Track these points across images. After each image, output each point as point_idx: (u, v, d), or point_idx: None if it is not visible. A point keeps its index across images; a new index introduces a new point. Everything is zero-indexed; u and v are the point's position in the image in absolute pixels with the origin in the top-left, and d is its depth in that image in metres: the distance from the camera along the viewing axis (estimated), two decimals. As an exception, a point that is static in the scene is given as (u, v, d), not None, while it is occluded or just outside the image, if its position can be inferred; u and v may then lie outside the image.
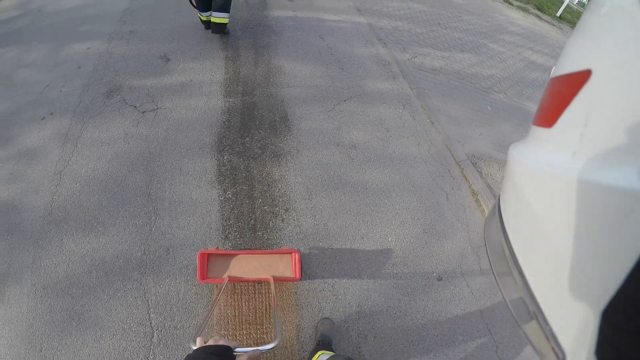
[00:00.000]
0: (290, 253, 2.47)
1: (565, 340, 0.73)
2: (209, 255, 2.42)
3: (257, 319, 2.41)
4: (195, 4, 4.61)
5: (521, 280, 0.90)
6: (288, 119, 3.71)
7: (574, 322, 0.70)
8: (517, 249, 0.96)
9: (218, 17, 4.57)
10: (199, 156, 3.29)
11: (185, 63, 4.27)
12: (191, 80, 4.01)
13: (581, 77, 0.79)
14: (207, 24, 4.82)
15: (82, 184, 2.97)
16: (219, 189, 3.07)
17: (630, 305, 0.58)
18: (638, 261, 0.56)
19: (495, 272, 1.10)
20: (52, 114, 3.62)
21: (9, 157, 3.23)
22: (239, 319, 2.40)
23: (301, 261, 2.54)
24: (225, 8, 4.48)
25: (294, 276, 2.43)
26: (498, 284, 1.06)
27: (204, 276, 2.36)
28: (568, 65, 0.89)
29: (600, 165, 0.69)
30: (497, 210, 1.15)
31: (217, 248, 2.55)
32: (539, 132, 0.99)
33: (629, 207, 0.60)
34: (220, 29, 4.67)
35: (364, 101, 4.13)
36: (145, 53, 4.40)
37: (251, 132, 3.54)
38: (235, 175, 3.21)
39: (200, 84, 3.98)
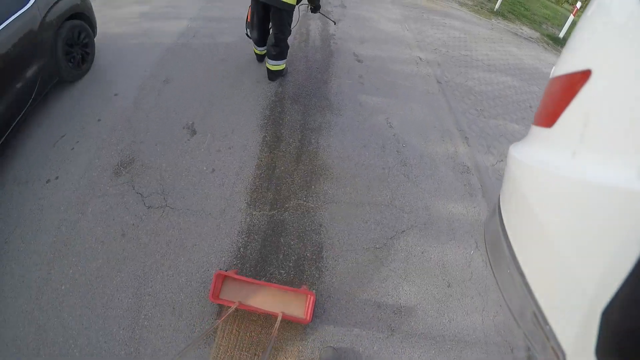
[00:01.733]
0: (306, 294, 2.44)
1: (565, 340, 0.73)
2: (225, 277, 2.47)
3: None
4: (250, 36, 4.51)
5: (521, 280, 0.89)
6: (322, 257, 2.89)
7: (574, 322, 0.70)
8: (517, 249, 0.95)
9: (273, 65, 4.35)
10: (198, 296, 2.58)
11: (212, 141, 3.62)
12: (213, 171, 3.34)
13: (581, 77, 0.80)
14: (261, 57, 4.68)
15: (67, 288, 2.57)
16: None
17: (630, 305, 0.57)
18: (638, 261, 0.56)
19: (494, 271, 1.08)
20: (57, 178, 3.23)
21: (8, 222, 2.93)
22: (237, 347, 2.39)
23: (314, 305, 2.49)
24: (280, 57, 4.30)
25: (304, 317, 2.39)
26: (498, 285, 1.05)
27: (216, 296, 2.41)
28: (568, 65, 0.90)
29: (600, 165, 0.70)
30: (497, 210, 1.15)
31: (236, 272, 2.58)
32: (539, 132, 1.01)
33: (629, 207, 0.60)
34: (276, 76, 4.51)
35: (428, 234, 3.23)
36: (172, 116, 3.85)
37: (269, 272, 2.76)
38: (236, 338, 2.46)
39: (223, 179, 3.28)
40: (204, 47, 5.21)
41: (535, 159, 0.96)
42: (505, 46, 7.61)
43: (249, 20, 4.45)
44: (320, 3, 4.34)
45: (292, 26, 4.16)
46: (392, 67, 5.31)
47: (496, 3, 9.94)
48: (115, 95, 4.15)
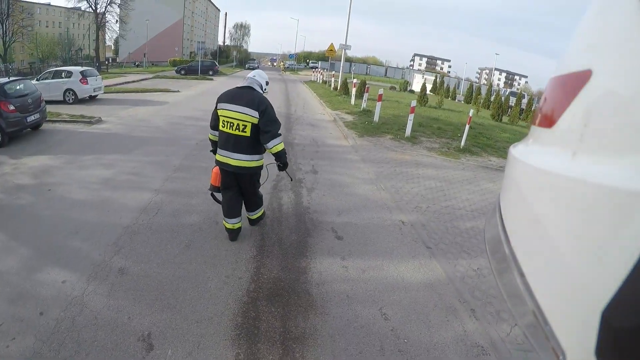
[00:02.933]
0: None
1: (565, 340, 0.73)
2: None
3: None
4: (217, 201, 4.72)
5: (521, 280, 0.90)
6: None
7: (574, 322, 0.71)
8: (517, 249, 0.97)
9: (254, 215, 4.83)
10: None
11: None
12: None
13: (581, 77, 0.82)
14: (232, 233, 4.59)
15: None
16: None
17: (630, 305, 0.57)
18: (638, 261, 0.56)
19: (495, 272, 1.10)
20: None
21: None
22: None
23: None
24: (257, 207, 4.78)
25: None
26: (498, 284, 1.06)
27: None
28: (569, 65, 0.93)
29: (600, 165, 0.71)
30: (497, 210, 1.17)
31: None
32: (539, 132, 1.03)
33: (629, 207, 0.61)
34: (257, 222, 4.96)
35: None
36: (125, 322, 3.29)
37: None
38: None
39: None
40: (166, 228, 4.90)
41: (535, 159, 0.96)
42: (481, 184, 7.66)
43: (213, 183, 4.49)
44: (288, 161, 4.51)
45: (262, 182, 4.70)
46: (376, 240, 4.99)
47: (461, 141, 10.31)
48: (63, 282, 3.71)
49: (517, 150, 1.13)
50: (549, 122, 0.95)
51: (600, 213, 0.67)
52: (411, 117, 10.83)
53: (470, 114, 10.40)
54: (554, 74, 1.01)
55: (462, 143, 10.31)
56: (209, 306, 3.54)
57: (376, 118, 12.97)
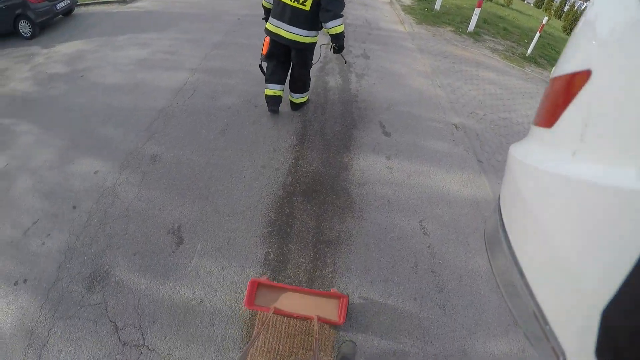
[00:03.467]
0: (339, 297, 2.46)
1: (565, 340, 0.72)
2: (259, 283, 2.44)
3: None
4: (265, 74, 4.36)
5: (521, 280, 0.89)
6: None
7: (574, 322, 0.70)
8: (517, 248, 0.95)
9: (297, 98, 4.60)
10: None
11: (202, 256, 2.90)
12: (201, 302, 2.63)
13: (581, 77, 0.80)
14: (272, 100, 4.43)
15: None
16: None
17: (630, 305, 0.56)
18: (638, 261, 0.54)
19: (494, 272, 1.08)
20: (25, 281, 2.72)
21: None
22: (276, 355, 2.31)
23: (347, 306, 2.48)
24: (303, 90, 4.54)
25: (338, 319, 2.38)
26: (498, 284, 1.04)
27: (251, 303, 2.37)
28: (568, 65, 0.91)
29: (600, 165, 0.69)
30: (497, 210, 1.15)
31: (267, 278, 2.59)
32: (539, 132, 1.01)
33: (629, 207, 0.59)
34: (299, 107, 4.77)
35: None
36: (156, 214, 3.21)
37: None
38: None
39: (213, 316, 2.55)
40: (202, 111, 4.62)
41: (535, 159, 0.93)
42: (544, 101, 6.75)
43: (264, 54, 4.15)
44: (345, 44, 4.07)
45: (314, 61, 4.31)
46: (425, 142, 4.52)
47: (527, 48, 9.16)
48: (95, 173, 3.63)
49: (516, 150, 1.09)
50: (548, 122, 0.91)
51: (600, 213, 0.64)
52: (477, 11, 9.50)
53: (544, 22, 9.06)
54: (554, 74, 0.97)
55: (529, 51, 9.09)
56: (242, 199, 3.38)
57: (437, 6, 11.52)
